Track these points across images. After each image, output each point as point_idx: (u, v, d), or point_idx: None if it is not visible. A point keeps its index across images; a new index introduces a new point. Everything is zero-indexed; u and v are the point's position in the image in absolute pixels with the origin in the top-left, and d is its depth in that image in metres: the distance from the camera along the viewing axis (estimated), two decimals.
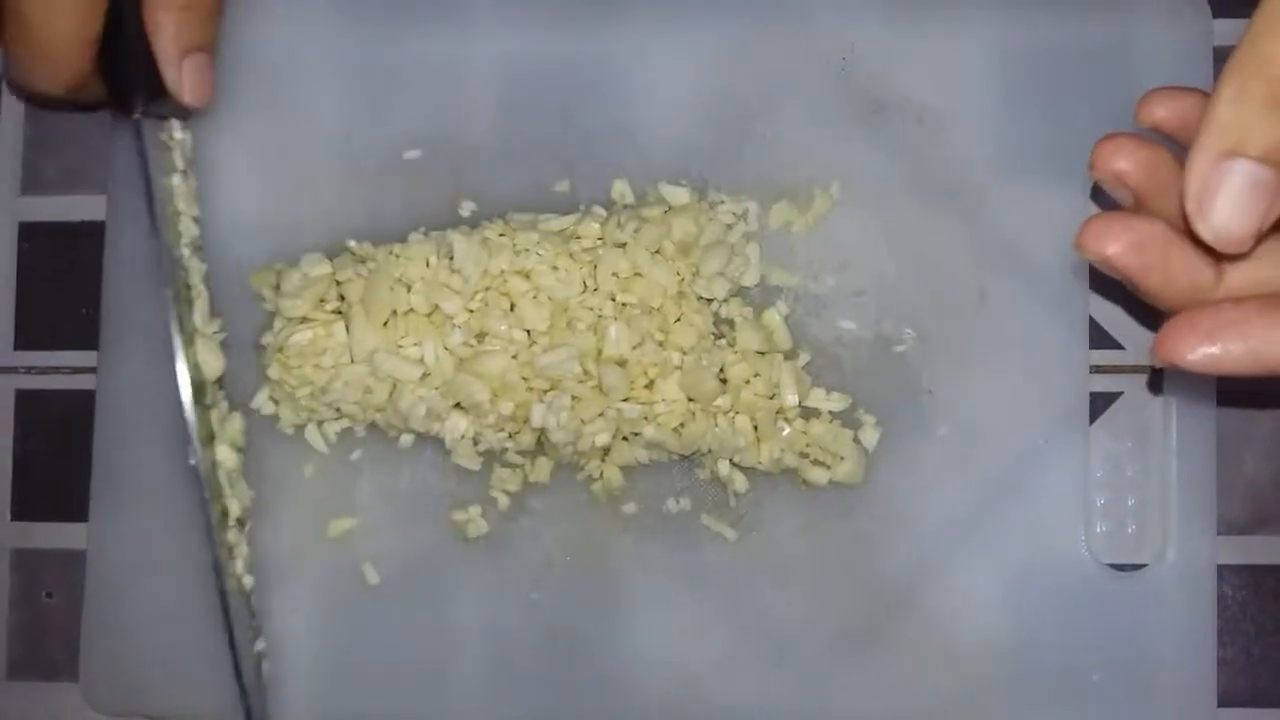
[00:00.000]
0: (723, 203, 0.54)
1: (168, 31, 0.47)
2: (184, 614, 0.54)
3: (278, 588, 0.54)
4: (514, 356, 0.51)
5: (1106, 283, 0.54)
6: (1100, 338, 0.54)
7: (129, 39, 0.46)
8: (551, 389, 0.51)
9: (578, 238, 0.52)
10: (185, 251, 0.52)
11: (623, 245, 0.52)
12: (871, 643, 0.53)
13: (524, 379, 0.51)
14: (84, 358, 0.57)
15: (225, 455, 0.52)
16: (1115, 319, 0.54)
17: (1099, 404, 0.54)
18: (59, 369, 0.58)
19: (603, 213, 0.53)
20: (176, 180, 0.51)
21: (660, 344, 0.51)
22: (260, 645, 0.53)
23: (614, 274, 0.52)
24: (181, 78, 0.48)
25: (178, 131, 0.51)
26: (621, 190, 0.54)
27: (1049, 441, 0.53)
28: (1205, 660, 0.52)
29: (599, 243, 0.52)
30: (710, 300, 0.53)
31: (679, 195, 0.53)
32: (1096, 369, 0.54)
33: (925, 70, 0.54)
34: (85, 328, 0.57)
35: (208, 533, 0.51)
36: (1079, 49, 0.54)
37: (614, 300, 0.52)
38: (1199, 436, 0.53)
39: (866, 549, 0.53)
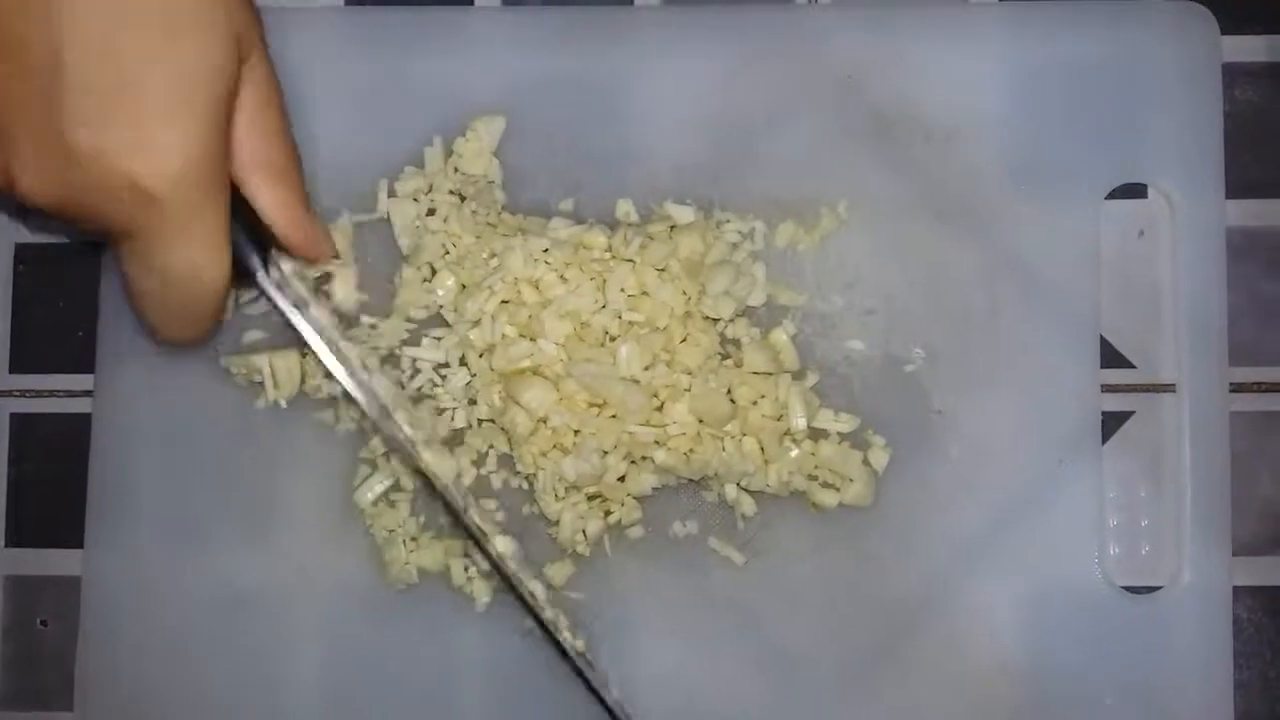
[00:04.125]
0: (728, 221, 0.53)
1: (268, 202, 0.47)
2: (182, 642, 0.53)
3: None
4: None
5: (1119, 300, 0.53)
6: (1112, 356, 0.53)
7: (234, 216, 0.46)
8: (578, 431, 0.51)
9: (585, 247, 0.52)
10: (363, 374, 0.51)
11: (630, 261, 0.51)
12: (882, 667, 0.52)
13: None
14: (79, 381, 0.56)
15: (504, 545, 0.51)
16: (1127, 337, 0.54)
17: (1111, 423, 0.53)
18: (54, 392, 0.57)
19: (608, 231, 0.53)
20: (314, 311, 0.50)
21: (667, 364, 0.51)
22: (616, 692, 0.52)
23: (622, 289, 0.51)
24: (295, 241, 0.48)
25: (286, 267, 0.50)
26: (626, 210, 0.53)
27: (1061, 462, 0.52)
28: (1222, 683, 0.51)
29: (607, 254, 0.52)
30: (716, 320, 0.52)
31: (684, 214, 0.53)
32: (1108, 388, 0.53)
33: (933, 87, 0.54)
34: (81, 350, 0.56)
35: (532, 615, 0.51)
36: (1087, 65, 0.53)
37: (620, 319, 0.51)
38: (1213, 455, 0.52)
39: (876, 572, 0.52)
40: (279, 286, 0.48)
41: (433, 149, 0.54)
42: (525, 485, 0.52)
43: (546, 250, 0.51)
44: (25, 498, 0.57)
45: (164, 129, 0.41)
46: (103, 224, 0.43)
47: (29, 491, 0.57)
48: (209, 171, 0.43)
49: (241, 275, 0.47)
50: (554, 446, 0.51)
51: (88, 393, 0.56)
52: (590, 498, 0.51)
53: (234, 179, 0.46)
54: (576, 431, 0.50)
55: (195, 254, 0.44)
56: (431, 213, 0.53)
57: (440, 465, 0.51)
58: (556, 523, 0.52)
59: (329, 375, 0.50)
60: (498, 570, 0.51)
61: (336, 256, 0.52)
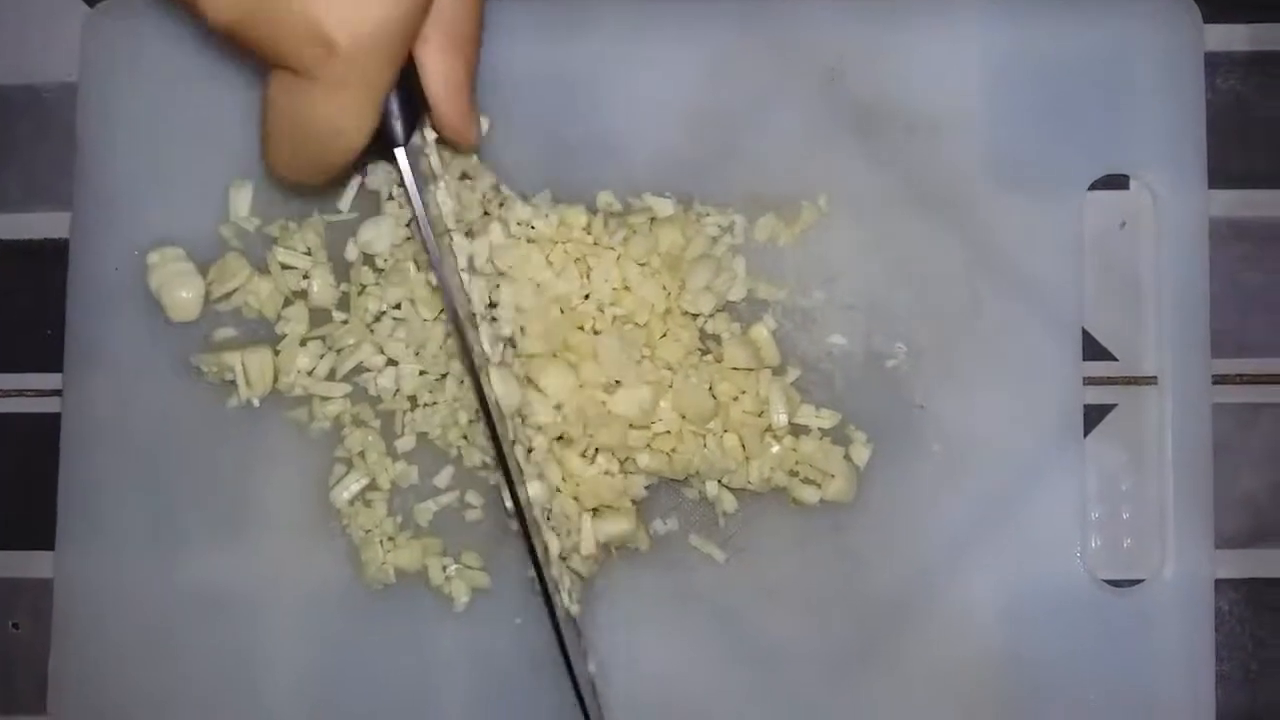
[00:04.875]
0: (708, 215, 0.53)
1: (436, 70, 0.45)
2: (156, 644, 0.53)
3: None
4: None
5: (1101, 292, 0.53)
6: (1094, 349, 0.53)
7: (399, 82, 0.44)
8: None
9: (565, 224, 0.51)
10: (464, 276, 0.50)
11: (612, 249, 0.51)
12: (865, 662, 0.52)
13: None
14: (47, 380, 0.56)
15: (537, 490, 0.50)
16: (1109, 330, 0.53)
17: (1093, 416, 0.53)
18: (21, 392, 0.56)
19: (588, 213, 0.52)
20: (440, 195, 0.49)
21: (649, 360, 0.50)
22: (592, 667, 0.52)
23: (605, 280, 0.51)
24: (451, 118, 0.46)
25: (428, 137, 0.49)
26: (608, 200, 0.53)
27: (1043, 455, 0.52)
28: (1204, 675, 0.51)
29: (589, 239, 0.51)
30: (696, 316, 0.51)
31: (664, 207, 0.52)
32: (1090, 381, 0.53)
33: (915, 81, 0.53)
34: (48, 349, 0.55)
35: (535, 567, 0.49)
36: (1070, 57, 0.53)
37: (603, 311, 0.51)
38: (1195, 448, 0.52)
39: (858, 568, 0.52)
40: (413, 162, 0.46)
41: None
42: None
43: (531, 226, 0.51)
44: None
45: None
46: (271, 54, 0.41)
47: None
48: (395, 37, 0.41)
49: (382, 142, 0.45)
50: (559, 438, 0.51)
51: (56, 392, 0.55)
52: (592, 510, 0.51)
53: (413, 43, 0.44)
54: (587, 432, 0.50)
55: (347, 110, 0.42)
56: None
57: (506, 389, 0.49)
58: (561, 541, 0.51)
59: (430, 265, 0.48)
60: (519, 515, 0.49)
61: (479, 144, 0.49)
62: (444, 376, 0.52)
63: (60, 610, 0.53)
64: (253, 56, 0.42)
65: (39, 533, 0.54)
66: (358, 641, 0.53)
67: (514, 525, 0.50)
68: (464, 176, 0.51)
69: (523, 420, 0.50)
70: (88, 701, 0.53)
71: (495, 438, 0.48)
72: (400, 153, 0.45)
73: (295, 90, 0.42)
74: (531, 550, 0.49)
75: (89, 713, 0.53)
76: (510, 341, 0.51)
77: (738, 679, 0.52)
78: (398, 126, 0.45)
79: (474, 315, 0.50)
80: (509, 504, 0.50)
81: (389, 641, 0.52)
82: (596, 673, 0.52)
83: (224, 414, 0.53)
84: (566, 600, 0.51)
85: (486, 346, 0.50)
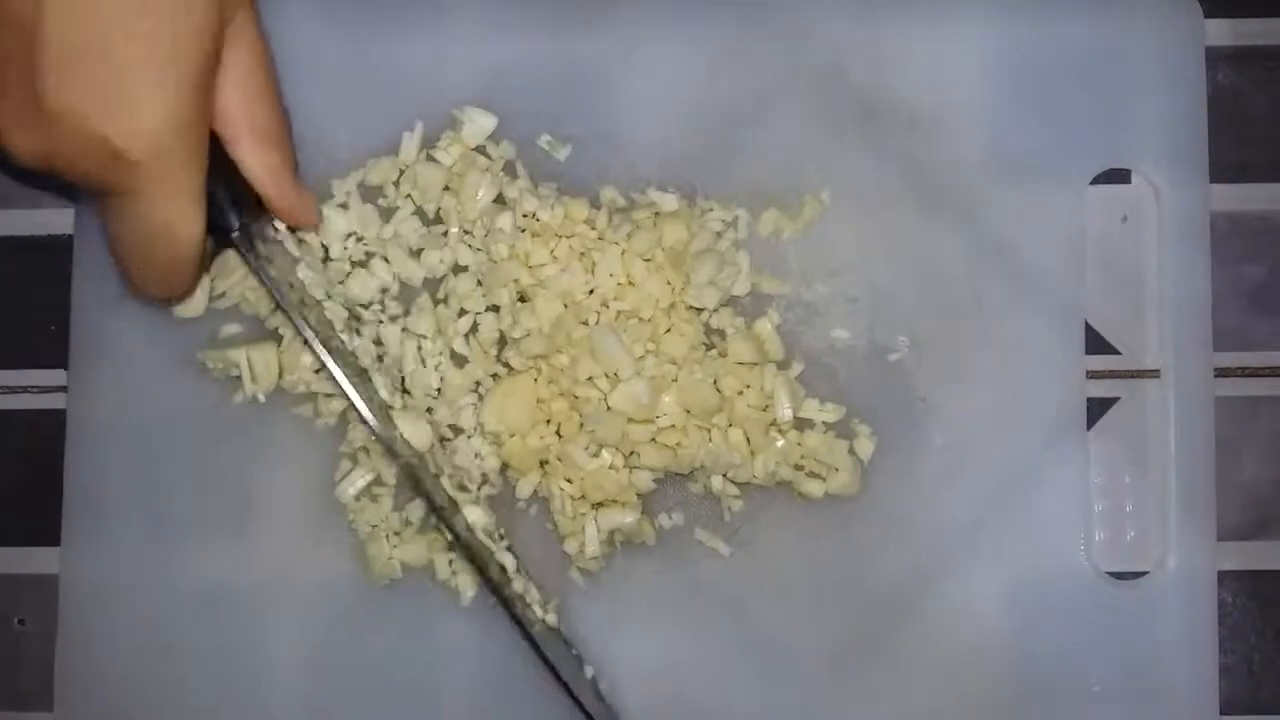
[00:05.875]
0: (712, 210, 0.53)
1: (256, 165, 0.47)
2: (162, 640, 0.53)
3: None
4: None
5: (1103, 286, 0.53)
6: (1097, 342, 0.53)
7: (220, 175, 0.46)
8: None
9: (570, 218, 0.51)
10: (344, 337, 0.50)
11: (617, 244, 0.51)
12: (870, 655, 0.52)
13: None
14: (52, 376, 0.56)
15: (476, 515, 0.51)
16: (1111, 323, 0.54)
17: (1096, 409, 0.53)
18: (26, 388, 0.56)
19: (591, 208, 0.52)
20: (302, 271, 0.50)
21: (653, 355, 0.50)
22: (590, 671, 0.52)
23: (610, 274, 0.51)
24: (280, 205, 0.48)
25: (279, 227, 0.50)
26: (611, 196, 0.53)
27: (1046, 448, 0.52)
28: (1207, 668, 0.51)
29: (592, 233, 0.51)
30: (700, 310, 0.52)
31: (668, 202, 0.52)
32: (1093, 374, 0.53)
33: (917, 75, 0.53)
34: (53, 346, 0.55)
35: (496, 591, 0.50)
36: (1071, 51, 0.53)
37: (607, 306, 0.51)
38: (1197, 440, 0.52)
39: (863, 561, 0.52)
40: (253, 247, 0.48)
41: (411, 135, 0.54)
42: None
43: (536, 218, 0.51)
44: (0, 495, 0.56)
45: (142, 92, 0.41)
46: (81, 182, 0.44)
47: (3, 489, 0.56)
48: (187, 135, 0.43)
49: (220, 233, 0.47)
50: (555, 430, 0.51)
51: (61, 388, 0.55)
52: (595, 506, 0.51)
53: (221, 140, 0.46)
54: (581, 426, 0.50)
55: (170, 213, 0.44)
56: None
57: (413, 430, 0.50)
58: (565, 537, 0.52)
59: (305, 340, 0.49)
60: (464, 545, 0.50)
61: (318, 223, 0.51)
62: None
63: (65, 606, 0.53)
64: (76, 186, 0.44)
65: (44, 529, 0.54)
66: (364, 636, 0.53)
67: (461, 559, 0.51)
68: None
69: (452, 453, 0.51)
70: (93, 697, 0.53)
71: (416, 482, 0.50)
72: (237, 239, 0.48)
73: (119, 210, 0.44)
74: (486, 577, 0.50)
75: (94, 708, 0.53)
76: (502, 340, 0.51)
77: (743, 672, 0.52)
78: (228, 216, 0.47)
79: (364, 371, 0.50)
80: (448, 537, 0.50)
81: (395, 636, 0.53)
82: (596, 674, 0.52)
83: (229, 410, 0.53)
84: (540, 612, 0.51)
85: (385, 395, 0.50)
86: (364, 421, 0.49)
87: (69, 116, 0.41)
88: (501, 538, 0.51)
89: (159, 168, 0.42)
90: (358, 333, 0.51)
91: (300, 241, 0.51)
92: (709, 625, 0.52)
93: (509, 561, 0.51)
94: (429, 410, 0.52)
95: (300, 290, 0.50)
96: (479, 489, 0.52)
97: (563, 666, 0.50)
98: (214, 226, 0.46)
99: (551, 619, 0.51)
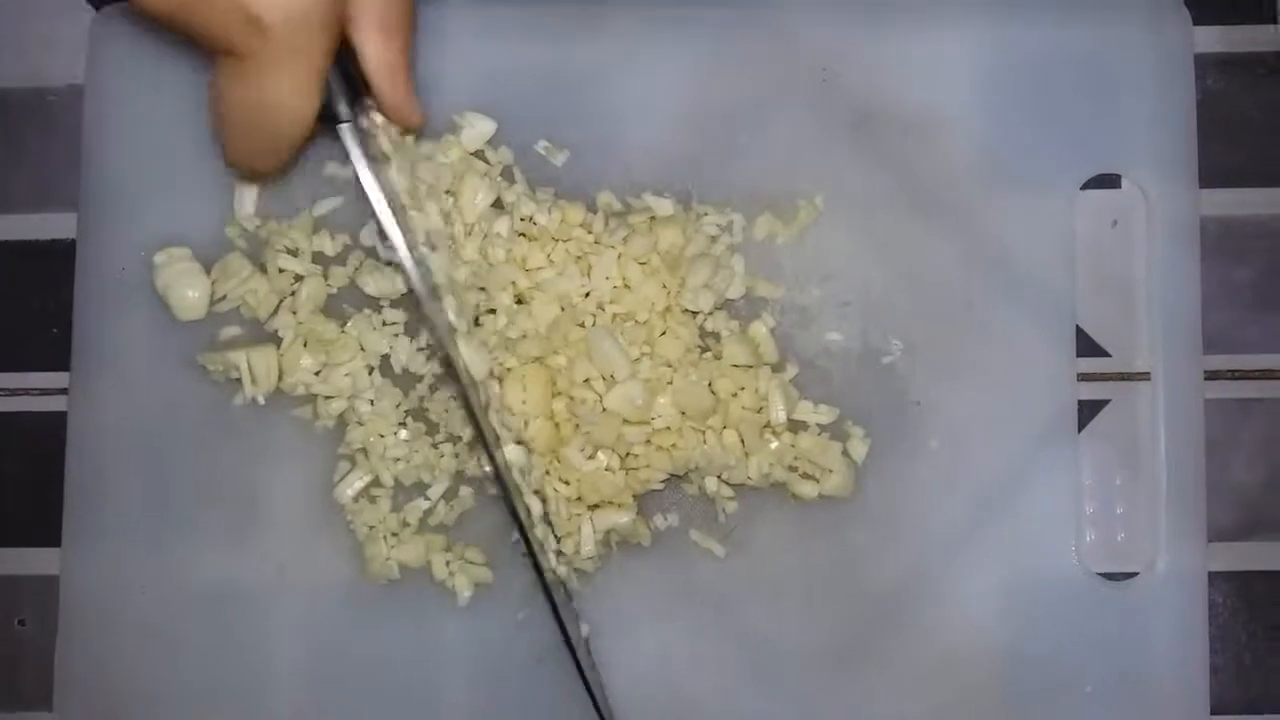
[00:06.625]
0: (707, 214, 0.53)
1: (372, 54, 0.47)
2: (162, 641, 0.53)
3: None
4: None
5: (1094, 290, 0.54)
6: (1087, 345, 0.54)
7: (339, 62, 0.46)
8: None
9: (566, 222, 0.52)
10: (424, 249, 0.50)
11: (613, 248, 0.52)
12: (863, 656, 0.52)
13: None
14: (54, 379, 0.56)
15: (515, 454, 0.51)
16: (1102, 326, 0.54)
17: (1086, 412, 0.53)
18: (28, 390, 0.57)
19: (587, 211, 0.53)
20: (393, 173, 0.50)
21: (648, 357, 0.51)
22: (585, 629, 0.52)
23: (606, 278, 0.51)
24: (389, 99, 0.48)
25: (378, 120, 0.50)
26: (607, 200, 0.53)
27: (1038, 451, 0.53)
28: (1197, 667, 0.52)
29: (588, 237, 0.52)
30: (695, 313, 0.52)
31: (664, 206, 0.53)
32: (1084, 376, 0.53)
33: (910, 81, 0.54)
34: (55, 349, 0.56)
35: (520, 529, 0.51)
36: (1062, 58, 0.54)
37: (603, 310, 0.51)
38: (1187, 442, 0.53)
39: (857, 562, 0.52)
40: (361, 139, 0.48)
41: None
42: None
43: (534, 222, 0.52)
44: (1, 496, 0.56)
45: None
46: (208, 41, 0.43)
47: (4, 490, 0.56)
48: (322, 17, 0.43)
49: (328, 119, 0.47)
50: (556, 423, 0.51)
51: (63, 390, 0.55)
52: (591, 507, 0.52)
53: (346, 27, 0.45)
54: (576, 426, 0.51)
55: (287, 89, 0.44)
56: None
57: (475, 357, 0.50)
58: (562, 538, 0.52)
59: (386, 241, 0.49)
60: (499, 479, 0.50)
61: (422, 124, 0.51)
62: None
63: (66, 607, 0.54)
64: (194, 44, 0.44)
65: (45, 530, 0.55)
66: (362, 636, 0.53)
67: (493, 490, 0.51)
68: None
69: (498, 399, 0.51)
70: (93, 698, 0.53)
71: (467, 404, 0.50)
72: (344, 129, 0.47)
73: (239, 75, 0.44)
74: (513, 512, 0.50)
75: (94, 709, 0.53)
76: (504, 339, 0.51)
77: (738, 672, 0.52)
78: (339, 104, 0.47)
79: (436, 287, 0.50)
80: (487, 468, 0.51)
81: (393, 636, 0.53)
82: (590, 635, 0.52)
83: (229, 412, 0.54)
84: (553, 561, 0.51)
85: (452, 317, 0.50)
86: (430, 334, 0.50)
87: None
88: (528, 481, 0.51)
89: (290, 41, 0.42)
90: (433, 248, 0.51)
91: (399, 141, 0.51)
92: (704, 625, 0.52)
93: (536, 506, 0.51)
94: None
95: (390, 190, 0.49)
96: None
97: (566, 617, 0.51)
98: (325, 112, 0.46)
99: (562, 570, 0.52)
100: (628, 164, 0.54)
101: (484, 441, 0.50)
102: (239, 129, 0.46)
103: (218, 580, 0.53)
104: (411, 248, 0.49)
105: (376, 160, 0.49)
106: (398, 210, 0.49)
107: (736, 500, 0.52)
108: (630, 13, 0.54)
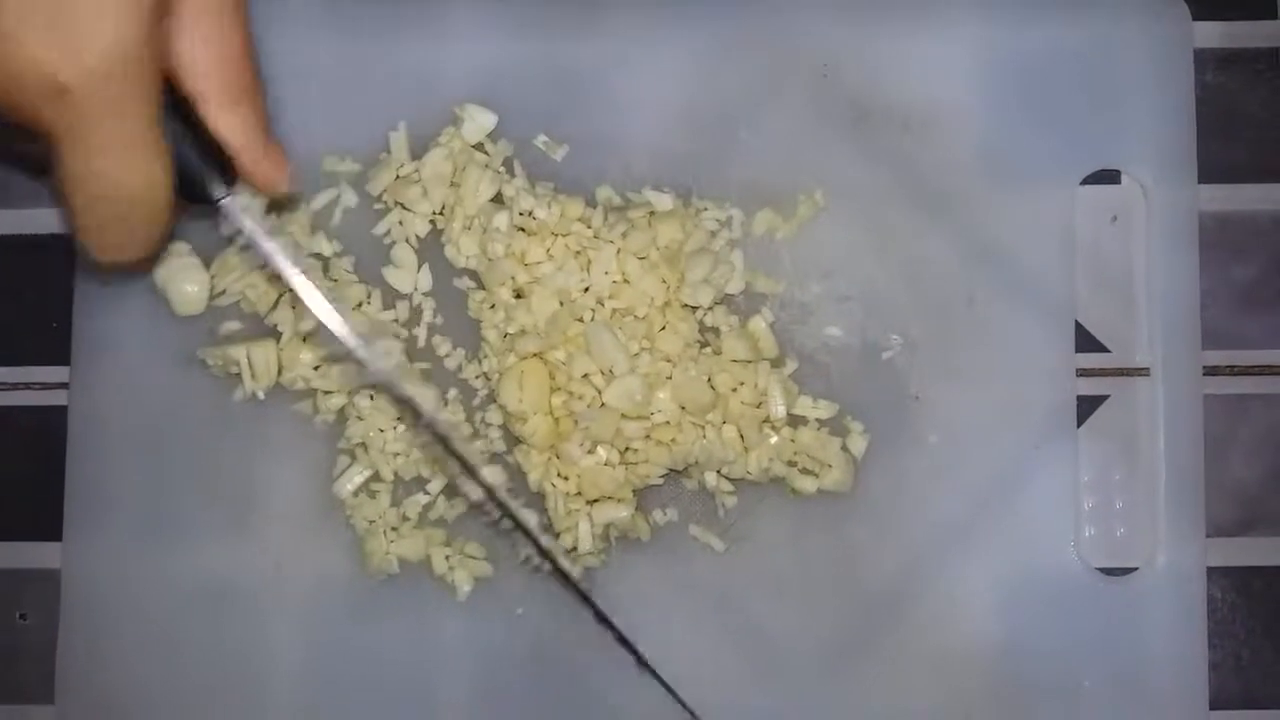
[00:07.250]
0: (706, 209, 0.53)
1: (226, 126, 0.44)
2: (162, 635, 0.53)
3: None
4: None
5: (1093, 285, 0.54)
6: (1086, 341, 0.54)
7: (197, 139, 0.44)
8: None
9: (565, 216, 0.52)
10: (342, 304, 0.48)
11: (612, 243, 0.52)
12: (862, 651, 0.52)
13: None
14: (54, 373, 0.56)
15: (494, 476, 0.50)
16: (1101, 322, 0.54)
17: (1085, 407, 0.53)
18: (28, 385, 0.57)
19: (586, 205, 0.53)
20: (296, 230, 0.49)
21: (647, 352, 0.51)
22: (619, 622, 0.52)
23: (605, 272, 0.51)
24: (259, 170, 0.45)
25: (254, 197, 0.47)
26: (607, 195, 0.53)
27: (1037, 446, 0.53)
28: (1196, 663, 0.52)
29: (588, 232, 0.52)
30: (695, 308, 0.52)
31: (663, 201, 0.53)
32: (1083, 372, 0.53)
33: (909, 76, 0.54)
34: (55, 343, 0.56)
35: (535, 545, 0.51)
36: (1061, 53, 0.54)
37: (602, 304, 0.51)
38: (1187, 438, 0.53)
39: (856, 557, 0.53)
40: (245, 213, 0.45)
41: (397, 134, 0.54)
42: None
43: (533, 217, 0.52)
44: (2, 491, 0.56)
45: (85, 20, 0.38)
46: (20, 118, 0.40)
47: (5, 484, 0.56)
48: (129, 71, 0.39)
49: (204, 199, 0.45)
50: (557, 420, 0.51)
51: (63, 385, 0.55)
52: (590, 502, 0.52)
53: (189, 97, 0.43)
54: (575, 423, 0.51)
55: (115, 160, 0.40)
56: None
57: (422, 394, 0.49)
58: (559, 534, 0.52)
59: (295, 302, 0.47)
60: (493, 499, 0.50)
61: (292, 190, 0.48)
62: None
63: (67, 601, 0.54)
64: (19, 128, 0.40)
65: (46, 524, 0.55)
66: (361, 631, 0.53)
67: (495, 515, 0.51)
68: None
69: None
70: (94, 692, 0.53)
71: (444, 443, 0.49)
72: (226, 204, 0.45)
73: (67, 156, 0.40)
74: (518, 525, 0.50)
75: (95, 703, 0.53)
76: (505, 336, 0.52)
77: (737, 666, 0.52)
78: (211, 182, 0.44)
79: (364, 339, 0.48)
80: (474, 497, 0.50)
81: (392, 631, 0.53)
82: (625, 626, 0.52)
83: (229, 407, 0.54)
84: (569, 565, 0.51)
85: (391, 363, 0.49)
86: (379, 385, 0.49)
87: (7, 40, 0.37)
88: (516, 497, 0.51)
89: (100, 104, 0.39)
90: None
91: (276, 210, 0.49)
92: (702, 620, 0.52)
93: (531, 520, 0.50)
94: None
95: (291, 250, 0.46)
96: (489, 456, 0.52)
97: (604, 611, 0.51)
98: (196, 195, 0.44)
99: (577, 572, 0.51)
100: (627, 159, 0.54)
101: (468, 469, 0.49)
102: (90, 219, 0.42)
103: (218, 574, 0.53)
104: (330, 304, 0.47)
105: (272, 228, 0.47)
106: (304, 273, 0.47)
107: (736, 495, 0.52)
108: (630, 8, 0.54)
